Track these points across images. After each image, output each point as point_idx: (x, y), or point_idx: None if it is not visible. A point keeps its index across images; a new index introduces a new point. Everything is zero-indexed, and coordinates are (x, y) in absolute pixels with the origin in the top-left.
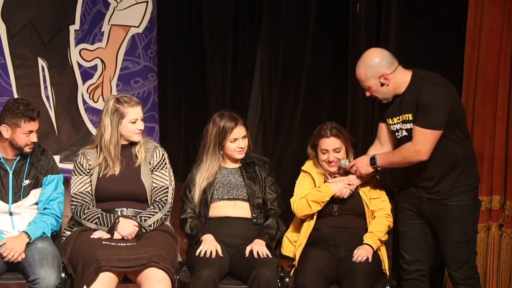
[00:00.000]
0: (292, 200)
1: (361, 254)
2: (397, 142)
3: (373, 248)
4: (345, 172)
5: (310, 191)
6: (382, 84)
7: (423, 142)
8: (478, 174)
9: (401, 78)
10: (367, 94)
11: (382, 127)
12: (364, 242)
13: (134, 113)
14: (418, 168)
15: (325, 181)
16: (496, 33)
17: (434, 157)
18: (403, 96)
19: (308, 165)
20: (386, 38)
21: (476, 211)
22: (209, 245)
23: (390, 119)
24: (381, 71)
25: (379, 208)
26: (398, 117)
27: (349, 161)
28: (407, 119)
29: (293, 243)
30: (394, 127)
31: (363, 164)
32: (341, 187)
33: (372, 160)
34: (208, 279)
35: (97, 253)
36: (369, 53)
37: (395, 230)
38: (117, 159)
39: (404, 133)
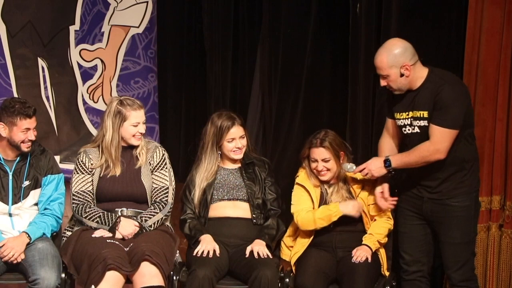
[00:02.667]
0: (295, 212)
1: (360, 254)
2: (403, 137)
3: (371, 249)
4: (342, 178)
5: (320, 210)
6: (402, 75)
7: (442, 141)
8: (479, 177)
9: (419, 73)
10: (383, 83)
11: (390, 122)
12: (363, 243)
13: (136, 117)
14: (424, 167)
15: (321, 193)
16: (496, 33)
17: None
18: (417, 92)
19: (301, 177)
20: (386, 38)
21: (476, 213)
22: (206, 244)
23: (398, 114)
24: (404, 61)
25: (379, 211)
26: (407, 113)
27: (355, 165)
28: (421, 116)
29: (290, 248)
30: (401, 122)
31: (376, 167)
32: (351, 209)
33: (387, 162)
34: (204, 278)
35: (104, 252)
36: (394, 42)
37: (394, 231)
38: (117, 160)
39: (417, 129)
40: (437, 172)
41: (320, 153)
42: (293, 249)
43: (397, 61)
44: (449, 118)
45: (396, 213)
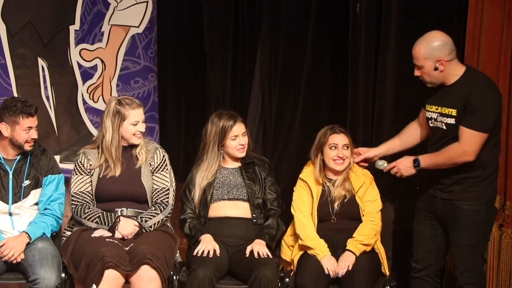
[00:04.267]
0: (294, 215)
1: (342, 266)
2: (429, 130)
3: (355, 254)
4: (345, 172)
5: (312, 240)
6: (436, 69)
7: (471, 143)
8: (496, 187)
9: (454, 70)
10: (417, 73)
11: (422, 111)
12: (346, 248)
13: (135, 115)
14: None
15: (323, 191)
16: (496, 33)
17: None
18: (449, 88)
19: (306, 173)
20: (386, 38)
21: (489, 218)
22: (207, 244)
23: (429, 106)
24: (440, 55)
25: (367, 212)
26: (436, 107)
27: (387, 163)
28: (449, 113)
29: (290, 248)
30: (429, 114)
31: (405, 166)
32: (331, 267)
33: (416, 162)
34: (204, 278)
35: (102, 251)
36: (435, 34)
37: (395, 230)
38: (118, 160)
39: (443, 126)
40: (452, 172)
41: (342, 138)
42: (294, 248)
43: (434, 55)
44: (480, 121)
45: (413, 211)
